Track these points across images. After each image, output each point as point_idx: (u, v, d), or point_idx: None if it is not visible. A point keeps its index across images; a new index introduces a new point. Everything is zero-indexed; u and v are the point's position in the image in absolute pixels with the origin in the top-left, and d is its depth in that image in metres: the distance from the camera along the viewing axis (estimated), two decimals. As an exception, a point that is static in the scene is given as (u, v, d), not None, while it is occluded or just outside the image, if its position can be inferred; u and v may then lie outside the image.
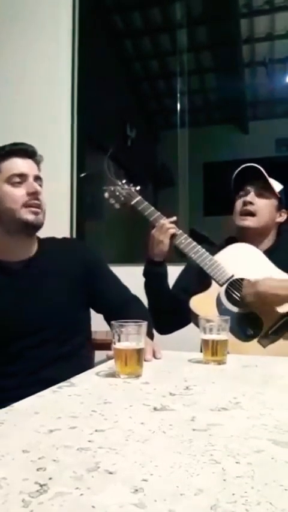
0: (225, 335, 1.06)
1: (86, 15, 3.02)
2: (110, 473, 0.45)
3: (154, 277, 1.48)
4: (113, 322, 0.91)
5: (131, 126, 4.36)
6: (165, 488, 0.42)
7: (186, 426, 0.60)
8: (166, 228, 1.42)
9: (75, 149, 2.93)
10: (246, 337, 1.34)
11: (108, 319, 1.27)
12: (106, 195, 1.48)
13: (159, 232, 1.42)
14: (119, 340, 0.90)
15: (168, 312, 1.48)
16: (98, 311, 1.32)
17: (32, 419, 0.63)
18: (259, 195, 1.48)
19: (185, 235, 1.43)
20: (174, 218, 1.46)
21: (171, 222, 1.44)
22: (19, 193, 1.18)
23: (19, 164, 1.19)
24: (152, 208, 1.46)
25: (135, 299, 1.34)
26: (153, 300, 1.49)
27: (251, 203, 1.47)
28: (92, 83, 3.17)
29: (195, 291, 1.41)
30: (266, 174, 1.47)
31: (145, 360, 0.96)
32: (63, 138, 2.90)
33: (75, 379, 0.88)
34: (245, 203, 1.47)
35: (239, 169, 1.49)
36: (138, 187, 1.49)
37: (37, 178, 1.22)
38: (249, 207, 1.47)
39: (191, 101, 3.55)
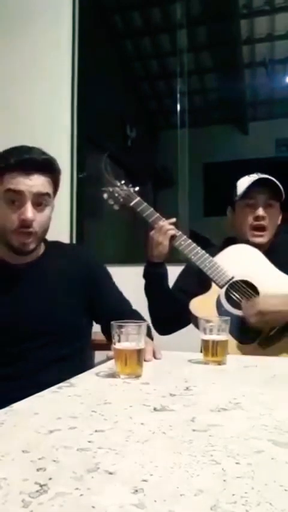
0: (226, 336, 1.06)
1: (86, 15, 3.02)
2: (110, 473, 0.45)
3: (154, 279, 1.48)
4: (112, 322, 0.91)
5: (131, 126, 4.36)
6: (165, 488, 0.42)
7: (186, 427, 0.60)
8: (165, 229, 1.41)
9: (75, 149, 2.93)
10: (246, 339, 1.34)
11: (105, 330, 1.27)
12: (105, 196, 1.48)
13: (158, 234, 1.41)
14: (119, 341, 0.90)
15: (168, 313, 1.48)
16: (96, 321, 1.31)
17: (31, 419, 0.63)
18: (268, 205, 1.45)
19: (185, 236, 1.42)
20: (174, 219, 1.45)
21: (171, 224, 1.43)
22: (11, 216, 1.10)
23: (19, 182, 1.08)
24: (151, 209, 1.45)
25: (135, 313, 1.29)
26: (153, 301, 1.49)
27: (263, 218, 1.43)
28: (92, 83, 3.18)
29: (194, 292, 1.41)
30: (279, 184, 1.43)
31: (145, 360, 0.96)
32: (63, 138, 2.90)
33: (75, 380, 0.88)
34: (257, 218, 1.43)
35: (254, 180, 1.43)
36: (137, 188, 1.48)
37: (41, 196, 1.11)
38: (263, 222, 1.43)
39: (191, 101, 3.55)
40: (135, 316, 1.26)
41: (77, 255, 1.32)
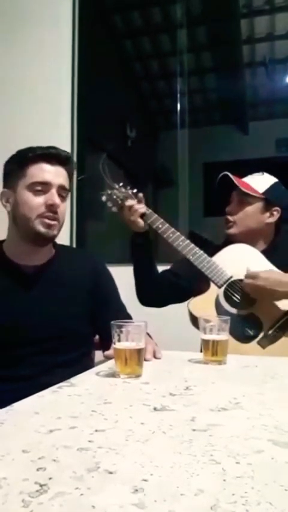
0: (226, 335, 1.06)
1: (86, 15, 3.02)
2: (110, 473, 0.45)
3: (135, 248, 1.51)
4: (112, 322, 0.91)
5: (131, 126, 4.36)
6: (165, 488, 0.42)
7: (186, 426, 0.60)
8: (134, 209, 1.43)
9: (75, 150, 2.93)
10: (245, 339, 1.34)
11: (102, 343, 1.27)
12: (103, 198, 1.48)
13: (129, 213, 1.44)
14: (119, 340, 0.90)
15: (148, 284, 1.52)
16: (96, 331, 1.31)
17: (32, 419, 0.63)
18: (240, 202, 1.48)
19: (156, 215, 1.44)
20: (141, 194, 1.47)
21: (139, 201, 1.45)
22: (37, 202, 1.14)
23: (45, 171, 1.14)
24: (150, 210, 1.46)
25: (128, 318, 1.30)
26: (135, 269, 1.52)
27: (230, 214, 1.50)
28: (92, 83, 3.18)
29: (185, 277, 1.48)
30: (241, 184, 1.47)
31: (145, 360, 0.96)
32: (63, 138, 2.90)
33: (75, 379, 0.88)
34: (226, 214, 1.52)
35: (218, 179, 1.50)
36: (135, 190, 1.49)
37: (62, 189, 1.17)
38: (229, 217, 1.50)
39: (191, 101, 3.55)
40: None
41: (86, 262, 1.32)
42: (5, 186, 1.20)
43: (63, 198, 1.18)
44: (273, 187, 1.48)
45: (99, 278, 1.30)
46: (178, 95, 3.24)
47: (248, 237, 1.46)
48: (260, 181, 1.49)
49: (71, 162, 1.21)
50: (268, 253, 1.43)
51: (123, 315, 1.29)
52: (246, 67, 4.73)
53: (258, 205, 1.47)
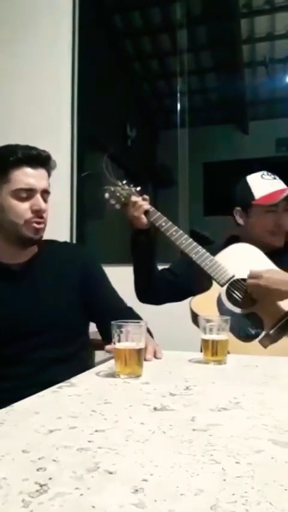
0: (226, 335, 1.06)
1: (86, 15, 3.02)
2: (110, 473, 0.45)
3: (136, 245, 1.51)
4: (113, 322, 0.91)
5: (131, 126, 4.36)
6: (165, 488, 0.42)
7: (186, 426, 0.60)
8: (139, 205, 1.44)
9: (75, 149, 2.93)
10: (247, 338, 1.34)
11: (100, 328, 1.29)
12: (106, 195, 1.48)
13: (133, 209, 1.44)
14: (119, 340, 0.89)
15: (146, 281, 1.52)
16: (91, 318, 1.32)
17: (32, 419, 0.63)
18: (285, 210, 1.47)
19: (159, 213, 1.45)
20: (146, 196, 1.47)
21: (144, 199, 1.46)
22: (23, 208, 1.14)
23: (29, 177, 1.14)
24: (153, 208, 1.46)
25: (129, 309, 1.32)
26: (136, 267, 1.53)
27: (283, 225, 1.46)
28: (92, 83, 3.18)
29: (184, 276, 1.49)
30: None
31: (145, 360, 0.96)
32: (63, 138, 2.90)
33: (75, 379, 0.88)
34: (279, 224, 1.46)
35: (278, 189, 1.46)
36: (138, 188, 1.49)
37: (45, 192, 1.18)
38: (282, 229, 1.47)
39: (191, 101, 3.54)
40: (130, 312, 1.28)
41: (72, 253, 1.32)
42: None
43: (45, 201, 1.19)
44: None
45: (87, 267, 1.29)
46: (178, 95, 3.24)
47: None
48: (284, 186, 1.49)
49: (51, 161, 1.21)
50: (280, 254, 1.44)
51: (118, 303, 1.31)
52: (246, 67, 4.73)
53: None
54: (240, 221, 1.53)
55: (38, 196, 1.16)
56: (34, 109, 2.94)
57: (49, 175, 1.21)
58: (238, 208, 1.54)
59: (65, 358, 1.17)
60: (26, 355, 1.15)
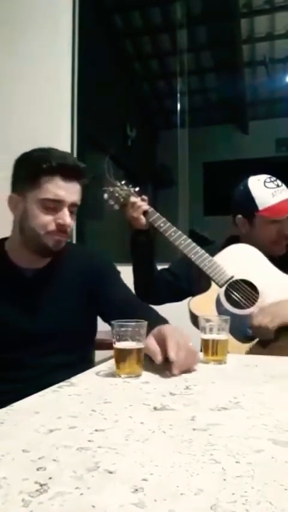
0: (226, 335, 1.06)
1: (86, 15, 3.03)
2: (110, 473, 0.45)
3: (136, 245, 1.51)
4: (113, 322, 0.91)
5: (131, 126, 4.36)
6: (165, 487, 0.42)
7: (186, 426, 0.60)
8: (137, 205, 1.44)
9: (75, 149, 2.93)
10: (245, 339, 1.34)
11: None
12: (105, 196, 1.48)
13: (132, 210, 1.45)
14: (119, 340, 0.89)
15: (146, 281, 1.52)
16: (103, 318, 1.28)
17: (32, 419, 0.63)
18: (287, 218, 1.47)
19: (158, 213, 1.45)
20: (145, 197, 1.48)
21: (142, 200, 1.46)
22: (47, 219, 1.10)
23: (59, 188, 1.09)
24: (152, 209, 1.46)
25: (142, 304, 1.26)
26: (135, 267, 1.53)
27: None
28: (92, 82, 3.18)
29: (183, 277, 1.50)
30: None
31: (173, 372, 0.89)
32: (63, 138, 2.90)
33: (75, 379, 0.88)
34: (283, 236, 1.46)
35: (284, 199, 1.45)
36: (137, 188, 1.49)
37: (74, 205, 1.14)
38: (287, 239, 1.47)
39: (191, 101, 3.55)
40: (145, 309, 1.21)
41: (87, 259, 1.28)
42: (13, 190, 1.15)
43: (72, 213, 1.15)
44: None
45: (101, 273, 1.25)
46: (178, 95, 3.25)
47: None
48: None
49: (85, 174, 1.16)
50: (284, 260, 1.45)
51: (136, 302, 1.25)
52: (246, 67, 4.74)
53: None
54: (242, 229, 1.52)
55: (65, 210, 1.11)
56: (34, 109, 2.94)
57: (82, 188, 1.16)
58: (239, 216, 1.52)
59: (70, 364, 1.13)
60: (32, 360, 1.14)
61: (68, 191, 1.10)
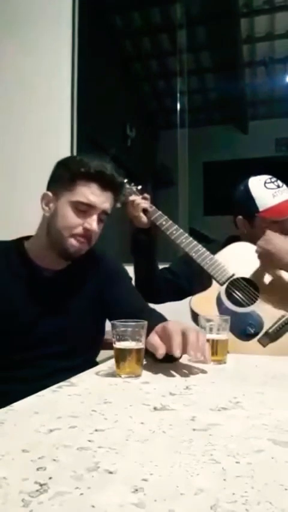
0: (226, 335, 1.06)
1: (86, 15, 3.03)
2: (110, 473, 0.45)
3: (137, 244, 1.51)
4: (113, 322, 0.91)
5: (131, 126, 4.36)
6: (165, 487, 0.42)
7: (186, 426, 0.60)
8: (137, 203, 1.44)
9: (75, 149, 2.93)
10: (246, 337, 1.34)
11: None
12: None
13: (132, 208, 1.45)
14: (119, 340, 0.89)
15: (146, 280, 1.52)
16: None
17: (32, 419, 0.63)
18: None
19: (159, 212, 1.46)
20: (147, 195, 1.48)
21: (144, 198, 1.46)
22: (75, 222, 1.11)
23: (93, 194, 1.11)
24: (153, 207, 1.46)
25: (151, 310, 1.25)
26: (136, 266, 1.54)
27: None
28: (92, 82, 3.18)
29: (183, 276, 1.50)
30: None
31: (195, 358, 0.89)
32: (63, 138, 2.90)
33: (75, 379, 0.88)
34: (285, 234, 1.44)
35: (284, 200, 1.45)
36: (139, 187, 1.50)
37: (104, 213, 1.15)
38: None
39: (191, 101, 3.55)
40: (151, 312, 1.21)
41: (98, 262, 1.27)
42: (48, 188, 1.17)
43: (101, 221, 1.16)
44: None
45: (109, 275, 1.25)
46: (178, 95, 3.25)
47: None
48: None
49: (122, 187, 1.20)
50: None
51: (142, 304, 1.25)
52: (246, 67, 4.74)
53: None
54: (243, 229, 1.52)
55: (95, 216, 1.12)
56: (34, 109, 2.94)
57: (115, 200, 1.19)
58: (240, 217, 1.52)
59: (76, 368, 1.10)
60: (39, 361, 1.13)
61: (102, 198, 1.12)
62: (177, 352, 0.88)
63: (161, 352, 0.90)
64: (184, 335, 0.90)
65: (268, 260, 1.37)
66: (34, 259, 1.19)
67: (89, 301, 1.22)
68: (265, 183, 1.48)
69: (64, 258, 1.17)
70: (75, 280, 1.22)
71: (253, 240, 1.46)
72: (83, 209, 1.11)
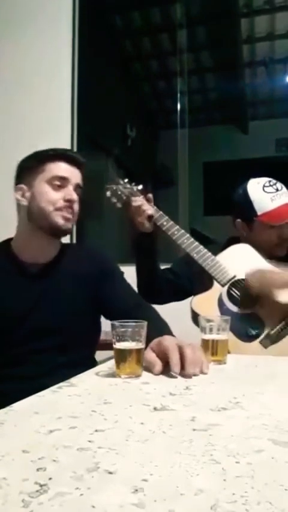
0: (226, 335, 1.06)
1: (86, 15, 3.03)
2: (110, 473, 0.45)
3: (139, 248, 1.51)
4: (113, 322, 0.91)
5: (131, 126, 4.36)
6: (165, 488, 0.42)
7: (186, 426, 0.60)
8: (142, 210, 1.42)
9: (75, 149, 2.93)
10: (247, 338, 1.34)
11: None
12: (108, 193, 1.48)
13: (137, 215, 1.43)
14: (119, 341, 0.89)
15: (148, 282, 1.52)
16: (107, 317, 1.27)
17: (32, 419, 0.63)
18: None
19: (160, 212, 1.45)
20: (150, 195, 1.47)
21: (148, 199, 1.45)
22: (56, 196, 1.19)
23: (64, 169, 1.21)
24: (155, 207, 1.46)
25: (145, 305, 1.26)
26: (138, 269, 1.53)
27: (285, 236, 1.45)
28: (92, 82, 3.18)
29: (185, 276, 1.50)
30: None
31: (187, 374, 0.88)
32: (63, 138, 2.90)
33: (75, 379, 0.88)
34: (284, 238, 1.45)
35: (282, 204, 1.44)
36: (140, 187, 1.49)
37: (77, 187, 1.23)
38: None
39: (191, 101, 3.55)
40: (146, 309, 1.22)
41: (91, 258, 1.30)
42: (19, 183, 1.23)
43: (78, 196, 1.23)
44: None
45: (104, 272, 1.27)
46: (178, 95, 3.25)
47: None
48: None
49: (84, 167, 1.27)
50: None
51: (137, 301, 1.26)
52: (246, 67, 4.74)
53: None
54: (242, 232, 1.52)
55: (71, 187, 1.20)
56: (34, 109, 2.94)
57: (82, 178, 1.26)
58: (239, 220, 1.51)
59: (73, 365, 1.11)
60: (34, 357, 1.14)
61: (71, 172, 1.22)
62: (175, 370, 0.88)
63: (157, 368, 0.90)
64: (180, 351, 0.91)
65: (263, 293, 1.35)
66: (19, 256, 1.22)
67: (81, 294, 1.23)
68: (264, 186, 1.46)
69: (55, 235, 1.22)
70: (65, 273, 1.23)
71: (252, 243, 1.46)
72: (59, 183, 1.19)
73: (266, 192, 1.45)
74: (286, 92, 4.74)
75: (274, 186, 1.46)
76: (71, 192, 1.20)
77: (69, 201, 1.19)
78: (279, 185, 1.47)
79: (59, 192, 1.19)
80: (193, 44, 4.04)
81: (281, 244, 1.46)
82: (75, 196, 1.21)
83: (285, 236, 1.45)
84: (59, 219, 1.18)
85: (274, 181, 1.48)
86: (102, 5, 3.63)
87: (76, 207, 1.22)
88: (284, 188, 1.48)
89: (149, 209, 1.43)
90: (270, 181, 1.47)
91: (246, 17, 3.97)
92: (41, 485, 0.42)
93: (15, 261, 1.22)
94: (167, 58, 4.42)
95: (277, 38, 4.18)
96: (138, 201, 1.43)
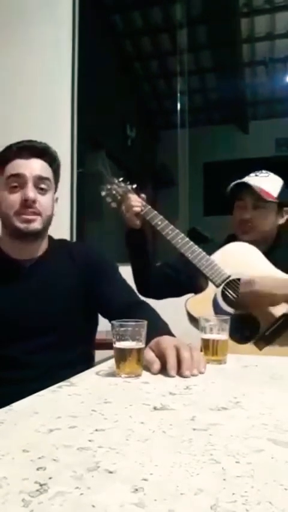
0: (226, 335, 1.06)
1: (86, 14, 3.03)
2: (110, 472, 0.45)
3: (130, 244, 1.52)
4: (113, 321, 0.91)
5: (131, 126, 4.36)
6: (165, 487, 0.42)
7: (186, 426, 0.60)
8: (130, 205, 1.44)
9: (75, 149, 2.93)
10: (242, 339, 1.33)
11: None
12: (103, 193, 1.48)
13: (125, 210, 1.45)
14: (119, 340, 0.89)
15: (143, 277, 1.53)
16: (103, 315, 1.28)
17: (31, 419, 0.63)
18: (256, 206, 1.45)
19: (155, 212, 1.45)
20: (143, 195, 1.48)
21: (141, 198, 1.46)
22: (12, 199, 1.13)
23: (18, 166, 1.14)
24: (149, 206, 1.46)
25: (141, 303, 1.25)
26: (132, 263, 1.54)
27: (248, 221, 1.45)
28: (92, 82, 3.18)
29: (181, 270, 1.49)
30: (259, 190, 1.43)
31: (185, 374, 0.88)
32: (63, 138, 2.90)
33: (75, 379, 0.88)
34: (242, 221, 1.46)
35: (231, 185, 1.47)
36: (134, 185, 1.49)
37: (40, 179, 1.15)
38: (248, 225, 1.46)
39: (191, 101, 3.55)
40: (142, 306, 1.21)
41: (83, 254, 1.29)
42: None
43: (43, 190, 1.16)
44: (283, 188, 1.48)
45: (94, 268, 1.26)
46: (178, 95, 3.25)
47: (260, 241, 1.45)
48: (271, 184, 1.47)
49: (49, 151, 1.19)
50: (269, 253, 1.43)
51: (130, 297, 1.26)
52: (246, 66, 4.74)
53: (273, 208, 1.46)
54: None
55: (29, 185, 1.13)
56: (34, 109, 2.94)
57: (51, 166, 1.19)
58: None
59: (70, 364, 1.11)
60: (29, 357, 1.13)
61: (29, 166, 1.14)
62: (172, 373, 0.88)
63: (156, 367, 0.91)
64: (178, 352, 0.91)
65: (257, 302, 1.34)
66: (8, 253, 1.21)
67: (76, 291, 1.22)
68: (257, 173, 1.50)
69: (23, 239, 1.17)
70: (58, 270, 1.22)
71: (255, 228, 1.46)
72: (15, 183, 1.13)
73: (259, 177, 1.49)
74: (286, 91, 4.74)
75: (265, 174, 1.50)
76: (27, 191, 1.12)
77: (27, 201, 1.12)
78: (270, 173, 1.51)
79: (16, 194, 1.13)
80: (193, 43, 4.04)
81: (244, 228, 1.47)
82: (32, 194, 1.12)
83: (246, 217, 1.46)
84: (18, 223, 1.13)
85: (269, 172, 1.51)
86: (102, 5, 3.63)
87: (42, 202, 1.15)
88: (272, 175, 1.50)
89: (137, 206, 1.44)
90: (265, 171, 1.51)
91: (246, 16, 3.97)
92: (41, 485, 0.42)
93: (4, 257, 1.21)
94: (167, 58, 4.42)
95: (277, 37, 4.19)
96: (129, 198, 1.45)
